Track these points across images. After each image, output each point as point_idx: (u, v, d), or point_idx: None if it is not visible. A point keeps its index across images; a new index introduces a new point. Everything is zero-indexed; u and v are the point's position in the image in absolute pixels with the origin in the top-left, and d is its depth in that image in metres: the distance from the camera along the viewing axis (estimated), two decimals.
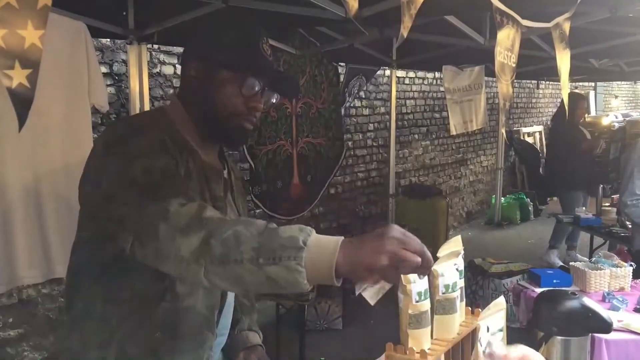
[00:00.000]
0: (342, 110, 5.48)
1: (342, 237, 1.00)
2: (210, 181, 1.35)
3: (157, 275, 1.14)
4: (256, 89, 1.33)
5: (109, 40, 3.65)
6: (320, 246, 0.97)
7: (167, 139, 1.24)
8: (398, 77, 6.52)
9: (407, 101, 7.14)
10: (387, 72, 6.13)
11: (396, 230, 1.02)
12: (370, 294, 1.15)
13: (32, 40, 0.84)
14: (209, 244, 0.99)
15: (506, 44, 1.72)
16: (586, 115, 6.95)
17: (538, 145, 10.35)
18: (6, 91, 0.84)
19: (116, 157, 1.18)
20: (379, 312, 4.91)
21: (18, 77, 0.83)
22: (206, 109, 1.34)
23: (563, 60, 2.16)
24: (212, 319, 1.37)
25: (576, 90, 8.74)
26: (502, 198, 8.44)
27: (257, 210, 4.88)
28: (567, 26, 2.16)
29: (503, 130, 2.17)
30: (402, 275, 1.48)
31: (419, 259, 1.02)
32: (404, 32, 1.15)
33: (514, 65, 1.84)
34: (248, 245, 0.98)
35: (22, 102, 0.85)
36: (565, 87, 2.36)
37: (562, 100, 6.00)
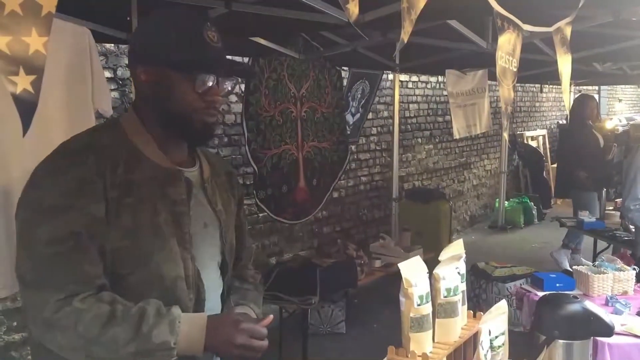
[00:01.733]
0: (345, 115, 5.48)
1: (205, 329, 1.25)
2: (165, 186, 1.31)
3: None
4: (210, 83, 1.29)
5: (112, 45, 3.67)
6: (189, 341, 1.24)
7: (92, 173, 1.22)
8: (401, 81, 6.52)
9: (411, 105, 7.15)
10: (390, 76, 6.14)
11: (245, 324, 1.29)
12: None
13: (37, 46, 0.85)
14: (90, 349, 1.18)
15: (507, 48, 1.72)
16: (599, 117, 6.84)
17: (541, 149, 10.33)
18: (10, 96, 0.86)
19: (27, 211, 1.23)
20: (382, 316, 4.92)
21: (22, 83, 0.84)
22: (163, 111, 1.31)
23: (564, 64, 2.16)
24: None
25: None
26: (506, 202, 8.43)
27: (262, 214, 4.89)
28: (568, 30, 2.16)
29: (505, 134, 2.18)
30: (403, 278, 1.49)
31: (266, 343, 1.33)
32: (405, 37, 1.16)
33: (515, 69, 1.85)
34: (127, 350, 1.18)
35: (27, 107, 0.86)
36: (566, 90, 2.36)
37: (574, 102, 6.01)
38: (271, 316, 1.37)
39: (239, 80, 1.41)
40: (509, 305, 4.29)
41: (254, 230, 4.95)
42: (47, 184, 1.22)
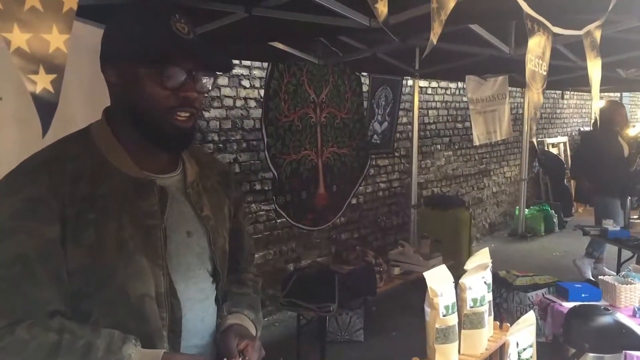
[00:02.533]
0: (367, 122, 5.44)
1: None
2: (135, 198, 1.23)
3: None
4: (181, 77, 1.18)
5: None
6: None
7: (45, 192, 1.14)
8: (420, 87, 6.48)
9: (430, 111, 7.10)
10: (410, 82, 6.11)
11: None
12: None
13: (57, 44, 0.82)
14: None
15: (537, 51, 1.68)
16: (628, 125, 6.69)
17: (562, 157, 10.19)
18: (30, 97, 0.83)
19: None
20: (401, 325, 4.86)
21: (42, 82, 0.81)
22: (134, 113, 1.22)
23: (594, 68, 2.11)
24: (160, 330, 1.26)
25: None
26: (526, 209, 8.32)
27: (280, 220, 4.86)
28: (598, 34, 2.10)
29: (534, 140, 2.12)
30: (429, 288, 1.45)
31: None
32: (434, 38, 1.12)
33: (544, 73, 1.80)
34: None
35: (46, 107, 0.82)
36: (596, 97, 2.30)
37: (603, 107, 5.92)
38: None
39: (219, 74, 1.27)
40: None
41: (272, 236, 4.93)
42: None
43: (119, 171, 1.23)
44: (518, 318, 4.35)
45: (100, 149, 1.24)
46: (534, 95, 1.70)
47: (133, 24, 1.20)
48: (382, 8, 1.02)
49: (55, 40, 0.82)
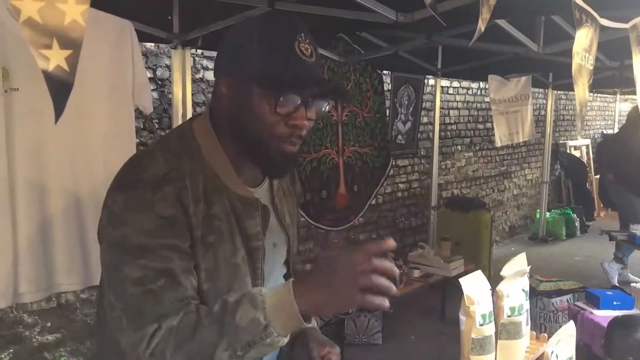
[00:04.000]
0: (389, 121, 5.35)
1: (291, 288, 1.00)
2: (242, 220, 1.18)
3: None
4: (295, 104, 1.09)
5: (153, 44, 3.63)
6: (279, 309, 1.00)
7: (176, 210, 1.09)
8: (442, 87, 6.37)
9: (451, 111, 6.98)
10: (431, 81, 6.01)
11: (359, 255, 0.99)
12: None
13: (73, 16, 0.71)
14: None
15: (584, 44, 1.57)
16: None
17: (585, 159, 10.00)
18: (46, 86, 0.74)
19: (111, 248, 1.10)
20: (420, 328, 4.77)
21: (56, 58, 0.71)
22: (240, 130, 1.15)
23: (639, 64, 1.99)
24: None
25: None
26: (547, 213, 8.17)
27: (300, 219, 4.79)
28: None
29: (579, 138, 2.01)
30: (465, 295, 1.36)
31: (394, 288, 1.00)
32: (482, 25, 1.03)
33: (591, 67, 1.70)
34: (220, 348, 1.01)
35: (60, 87, 0.73)
36: None
37: (635, 107, 5.78)
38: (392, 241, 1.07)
39: (331, 103, 1.15)
40: (555, 321, 4.10)
41: None
42: (129, 220, 1.08)
43: (227, 190, 1.18)
44: (541, 324, 4.23)
45: (210, 163, 1.17)
46: (580, 90, 1.60)
47: (256, 39, 1.12)
48: None
49: (72, 10, 0.72)
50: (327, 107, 1.17)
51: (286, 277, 1.36)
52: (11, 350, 3.14)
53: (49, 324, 3.28)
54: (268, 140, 1.12)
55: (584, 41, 1.57)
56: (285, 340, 1.03)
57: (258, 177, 1.27)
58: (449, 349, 3.76)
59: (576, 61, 1.52)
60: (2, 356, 3.10)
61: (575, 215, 8.37)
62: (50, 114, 0.79)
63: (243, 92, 1.12)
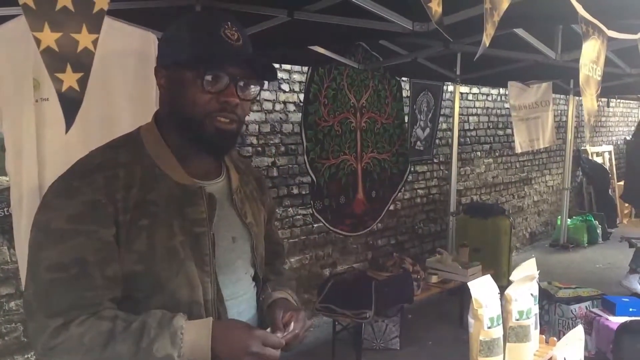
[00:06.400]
0: (407, 127, 5.38)
1: (209, 337, 1.16)
2: (184, 205, 1.24)
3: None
4: (223, 82, 1.19)
5: None
6: (194, 351, 1.15)
7: (102, 196, 1.15)
8: (461, 93, 6.39)
9: (470, 117, 6.99)
10: (450, 88, 6.03)
11: (258, 330, 1.20)
12: None
13: (85, 44, 0.83)
14: None
15: (591, 55, 1.61)
16: None
17: (607, 166, 9.90)
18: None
19: (36, 232, 1.17)
20: (437, 334, 4.79)
21: (68, 80, 0.82)
22: (178, 116, 1.24)
23: None
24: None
25: None
26: (568, 219, 8.11)
27: (316, 225, 4.85)
28: None
29: (588, 147, 2.04)
30: (473, 298, 1.41)
31: (278, 354, 1.21)
32: (487, 39, 1.08)
33: (599, 78, 1.73)
34: None
35: (71, 105, 0.84)
36: None
37: None
38: (309, 322, 1.31)
39: (266, 83, 1.25)
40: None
41: (308, 240, 4.92)
42: (55, 206, 1.16)
43: (168, 178, 1.24)
44: (560, 331, 4.22)
45: (150, 154, 1.26)
46: (588, 100, 1.63)
47: (185, 29, 1.23)
48: (435, 7, 0.98)
49: (84, 39, 0.84)
50: (257, 85, 1.27)
51: (255, 279, 1.42)
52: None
53: None
54: (203, 119, 1.21)
55: (591, 53, 1.61)
56: None
57: (212, 172, 1.34)
58: (467, 354, 3.78)
59: (584, 72, 1.56)
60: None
61: (597, 222, 8.28)
62: (78, 124, 0.90)
63: (176, 78, 1.22)
